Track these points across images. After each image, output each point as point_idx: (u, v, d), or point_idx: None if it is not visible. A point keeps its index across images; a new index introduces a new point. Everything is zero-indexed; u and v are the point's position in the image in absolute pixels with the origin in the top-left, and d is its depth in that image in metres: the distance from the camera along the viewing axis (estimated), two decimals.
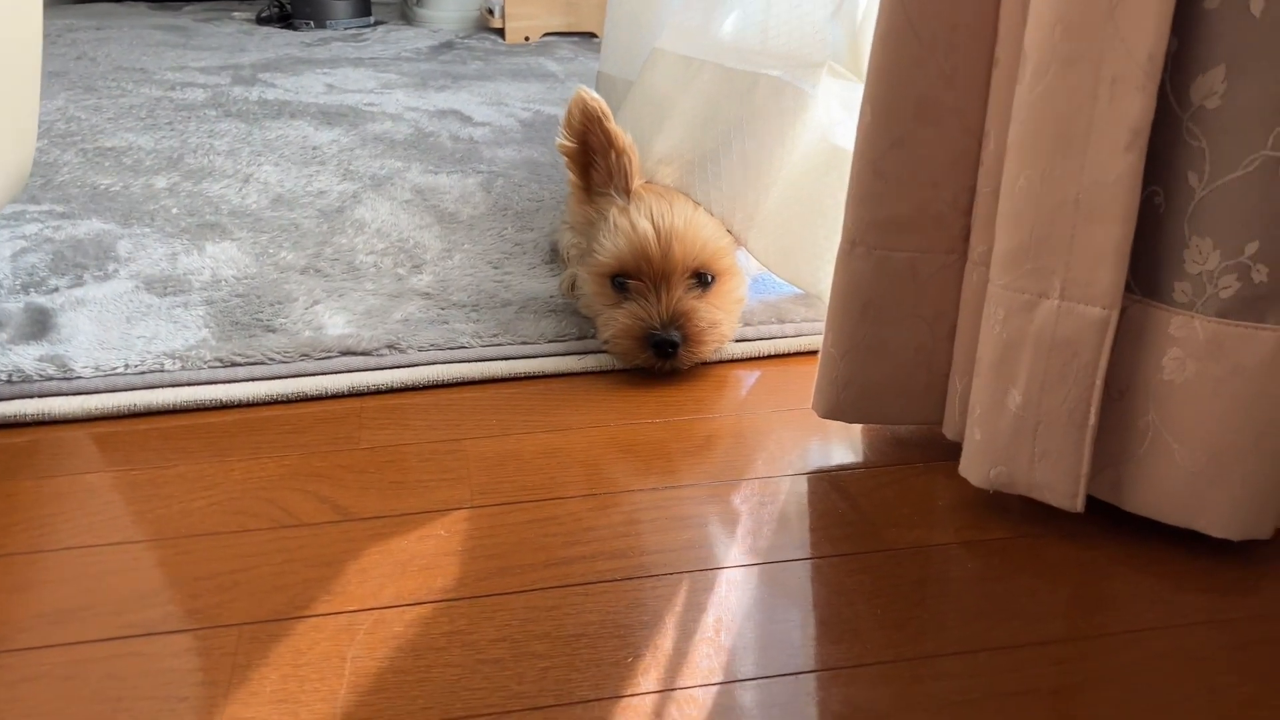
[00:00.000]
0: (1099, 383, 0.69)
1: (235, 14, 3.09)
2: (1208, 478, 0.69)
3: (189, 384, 0.93)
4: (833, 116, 1.02)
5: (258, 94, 2.02)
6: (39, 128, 1.48)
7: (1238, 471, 0.68)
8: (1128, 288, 0.69)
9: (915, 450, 0.86)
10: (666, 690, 0.61)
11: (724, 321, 0.98)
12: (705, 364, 1.00)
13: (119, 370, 0.93)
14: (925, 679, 0.62)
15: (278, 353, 0.96)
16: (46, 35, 2.53)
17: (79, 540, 0.74)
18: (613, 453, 0.86)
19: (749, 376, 1.00)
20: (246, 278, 1.13)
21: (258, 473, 0.82)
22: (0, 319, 1.01)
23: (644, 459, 0.85)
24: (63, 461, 0.84)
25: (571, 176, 1.04)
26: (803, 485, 0.82)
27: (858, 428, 0.90)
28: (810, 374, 0.93)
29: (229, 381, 0.93)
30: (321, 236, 1.25)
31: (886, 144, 0.75)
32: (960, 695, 0.61)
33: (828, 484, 0.82)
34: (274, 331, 1.00)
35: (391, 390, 0.94)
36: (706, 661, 0.63)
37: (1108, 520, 0.75)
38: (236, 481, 0.81)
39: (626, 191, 1.00)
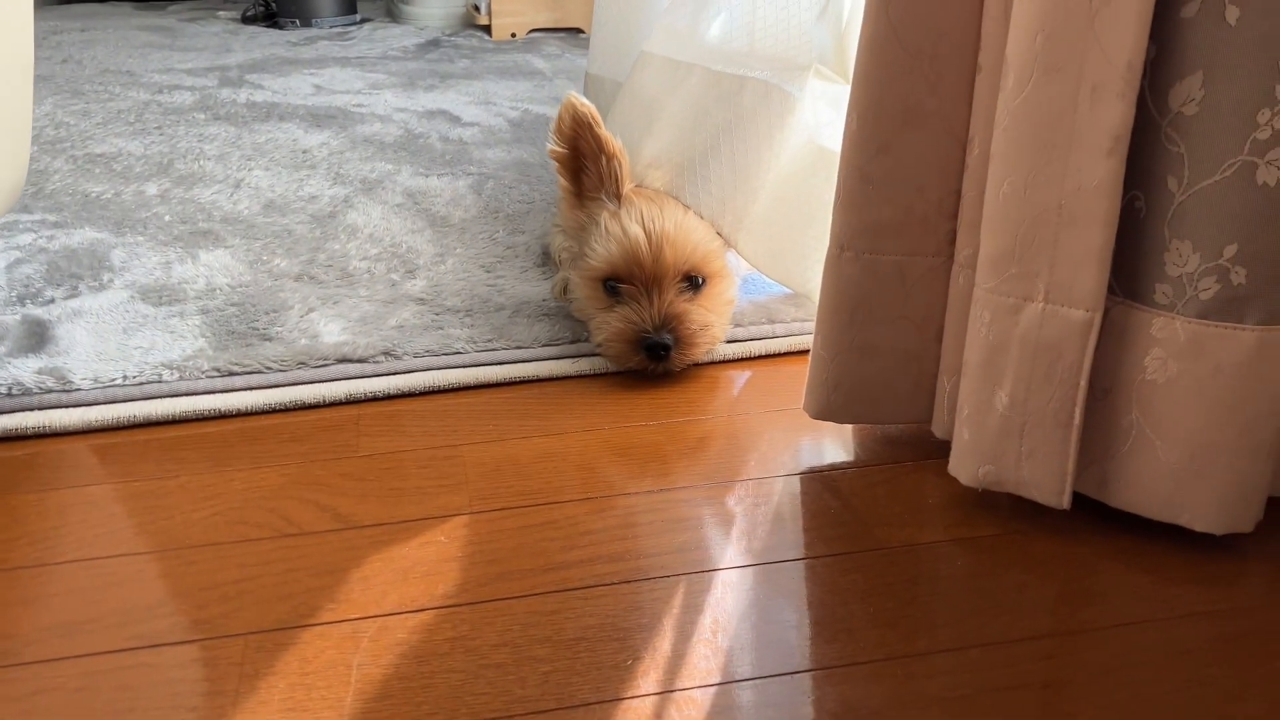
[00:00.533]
0: (1083, 383, 0.70)
1: (220, 13, 3.08)
2: (1190, 474, 0.70)
3: (187, 394, 0.94)
4: (820, 118, 1.03)
5: (246, 96, 2.02)
6: None
7: (1219, 468, 0.69)
8: (1110, 290, 0.70)
9: (905, 449, 0.88)
10: (666, 692, 0.62)
11: (715, 323, 0.99)
12: (697, 365, 1.01)
13: (117, 382, 0.94)
14: (918, 676, 0.63)
15: (275, 361, 0.97)
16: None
17: (83, 553, 0.75)
18: (608, 456, 0.87)
19: (741, 377, 1.01)
20: (241, 286, 1.13)
21: (258, 482, 0.83)
22: None
23: (639, 461, 0.87)
24: (64, 474, 0.85)
25: (562, 181, 1.05)
26: (795, 485, 0.83)
27: (848, 427, 0.91)
28: (801, 373, 0.95)
29: (227, 391, 0.94)
30: (314, 242, 1.26)
31: (873, 150, 0.76)
32: (952, 691, 0.62)
33: (820, 484, 0.83)
34: (270, 340, 1.01)
35: (388, 397, 0.95)
36: (704, 663, 0.64)
37: (1094, 516, 0.76)
38: (237, 491, 0.82)
39: (617, 196, 1.01)
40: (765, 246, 1.06)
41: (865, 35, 0.74)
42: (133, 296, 1.10)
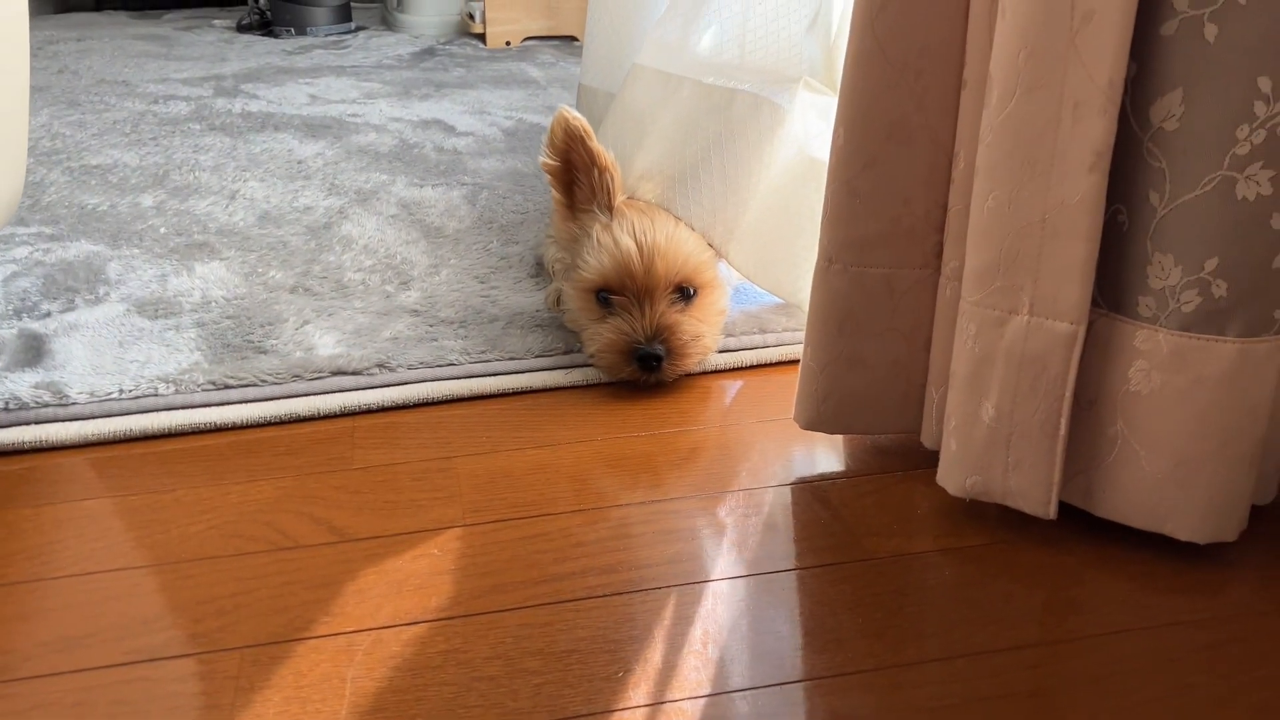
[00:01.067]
0: (1068, 394, 0.71)
1: (215, 22, 3.09)
2: (1174, 483, 0.71)
3: (183, 407, 0.94)
4: (809, 129, 1.04)
5: (241, 106, 2.03)
6: None
7: (1202, 477, 0.70)
8: (1094, 302, 0.71)
9: (894, 458, 0.89)
10: (656, 704, 0.63)
11: (707, 334, 1.00)
12: (689, 375, 1.02)
13: (114, 395, 0.95)
14: (906, 686, 0.64)
15: (270, 374, 0.98)
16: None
17: (80, 567, 0.76)
18: (601, 467, 0.88)
19: (732, 387, 1.02)
20: (236, 298, 1.14)
21: (254, 495, 0.84)
22: None
23: (631, 473, 0.87)
24: (61, 488, 0.86)
25: (555, 193, 1.06)
26: (786, 496, 0.84)
27: (838, 436, 0.92)
28: (791, 383, 0.96)
29: (222, 404, 0.95)
30: (309, 254, 1.27)
31: (860, 164, 0.77)
32: (940, 701, 0.63)
33: (810, 494, 0.84)
34: (265, 353, 1.02)
35: (383, 409, 0.96)
36: (695, 674, 0.65)
37: (1080, 525, 0.77)
38: (233, 505, 0.83)
39: (609, 208, 1.02)
40: (756, 256, 1.07)
41: (851, 51, 0.75)
42: (129, 310, 1.11)
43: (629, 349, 0.97)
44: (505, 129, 1.88)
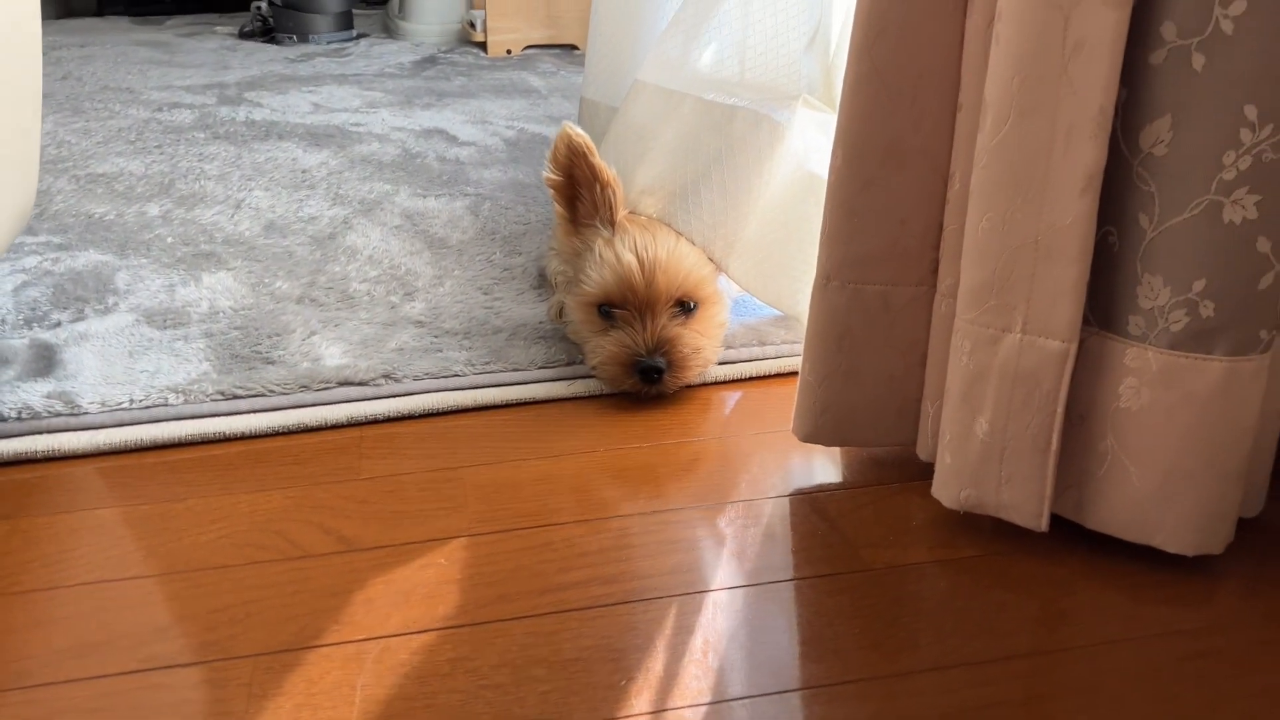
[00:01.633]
0: (1060, 410, 0.73)
1: (218, 28, 3.11)
2: (1162, 497, 0.73)
3: (193, 417, 0.96)
4: (808, 145, 1.06)
5: (245, 114, 2.05)
6: None
7: (1190, 491, 0.72)
8: (1085, 321, 0.73)
9: (891, 470, 0.90)
10: (658, 711, 0.65)
11: (707, 346, 1.02)
12: (690, 387, 1.04)
13: (124, 405, 0.96)
14: (901, 695, 0.66)
15: (277, 385, 0.99)
16: None
17: (94, 575, 0.77)
18: (603, 477, 0.90)
19: (732, 398, 1.04)
20: (244, 309, 1.16)
21: (264, 505, 0.86)
22: (6, 356, 1.04)
23: (633, 483, 0.89)
24: (74, 497, 0.87)
25: (558, 208, 1.08)
26: (784, 507, 0.86)
27: (836, 448, 0.94)
28: (790, 394, 0.98)
29: (231, 414, 0.97)
30: (315, 264, 1.29)
31: (857, 185, 0.79)
32: (935, 711, 0.65)
33: (808, 505, 0.86)
34: (273, 363, 1.04)
35: (389, 420, 0.98)
36: (695, 682, 0.67)
37: (1071, 537, 0.79)
38: (244, 514, 0.84)
39: (611, 223, 1.04)
40: (756, 270, 1.09)
41: (850, 76, 0.77)
42: (138, 320, 1.12)
43: (631, 361, 0.99)
44: (507, 139, 1.90)
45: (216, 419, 0.96)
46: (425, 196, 1.54)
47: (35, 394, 0.97)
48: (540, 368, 1.05)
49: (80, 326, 1.10)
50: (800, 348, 1.04)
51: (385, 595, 0.75)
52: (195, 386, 0.99)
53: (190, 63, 2.59)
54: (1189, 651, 0.70)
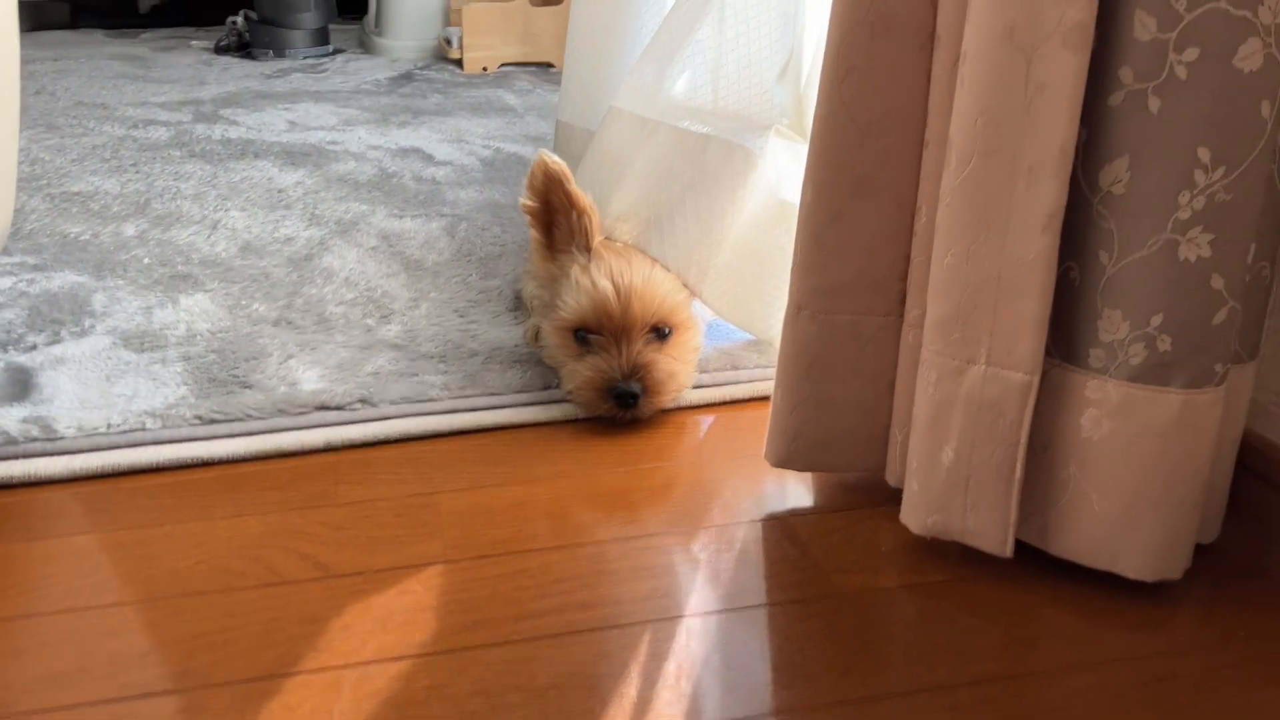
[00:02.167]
0: (1024, 440, 0.75)
1: (193, 42, 3.10)
2: (1123, 525, 0.75)
3: (170, 441, 0.97)
4: (780, 173, 1.08)
5: (220, 132, 2.05)
6: None
7: (1149, 519, 0.74)
8: (1048, 353, 0.75)
9: (861, 495, 0.92)
10: None
11: (681, 372, 1.03)
12: (665, 412, 1.05)
13: (101, 430, 0.97)
14: None
15: (255, 409, 1.00)
16: None
17: (71, 603, 0.78)
18: (578, 502, 0.91)
19: (705, 422, 1.06)
20: (221, 331, 1.17)
21: (241, 530, 0.86)
22: None
23: (608, 508, 0.90)
24: (51, 523, 0.88)
25: (534, 233, 1.09)
26: (757, 531, 0.87)
27: (807, 473, 0.95)
28: (762, 418, 0.99)
29: (209, 439, 0.97)
30: (291, 286, 1.29)
31: (827, 219, 0.81)
32: None
33: (780, 530, 0.88)
34: (250, 387, 1.05)
35: (365, 445, 0.99)
36: (669, 708, 0.68)
37: (1036, 563, 0.81)
38: (221, 540, 0.85)
39: (587, 249, 1.05)
40: (729, 295, 1.11)
41: (820, 112, 0.79)
42: (115, 343, 1.13)
43: (606, 386, 1.00)
44: (483, 158, 1.91)
45: (194, 444, 0.96)
46: (402, 217, 1.55)
47: (11, 419, 0.97)
48: (516, 392, 1.06)
49: (56, 350, 1.11)
50: (772, 372, 1.06)
51: (362, 622, 0.76)
52: (173, 411, 1.00)
53: (166, 78, 2.59)
54: (1149, 676, 0.72)
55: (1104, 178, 0.71)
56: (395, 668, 0.71)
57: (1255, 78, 0.65)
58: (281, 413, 1.00)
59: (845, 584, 0.81)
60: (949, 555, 0.84)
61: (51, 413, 0.98)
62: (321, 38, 2.97)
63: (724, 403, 1.08)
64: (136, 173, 1.77)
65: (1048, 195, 0.70)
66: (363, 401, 1.02)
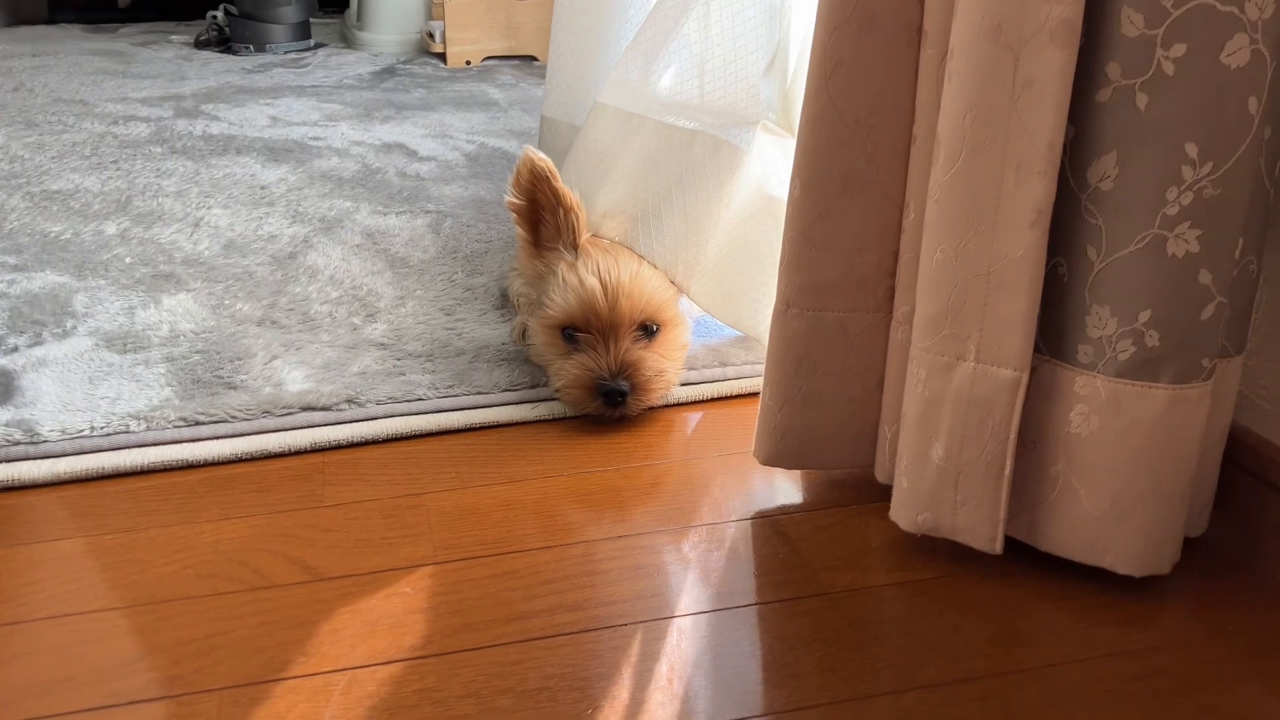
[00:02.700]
0: (1013, 436, 0.75)
1: (173, 37, 3.08)
2: (1111, 520, 0.75)
3: (155, 444, 0.96)
4: (767, 168, 1.08)
5: (202, 128, 2.03)
6: None
7: (1137, 514, 0.75)
8: (1037, 349, 0.75)
9: (850, 492, 0.92)
10: None
11: (669, 369, 1.03)
12: (653, 409, 1.05)
13: (85, 433, 0.96)
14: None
15: (240, 410, 0.99)
16: None
17: (57, 609, 0.77)
18: (568, 502, 0.91)
19: (694, 419, 1.06)
20: (205, 332, 1.16)
21: (228, 534, 0.86)
22: None
23: (596, 508, 0.90)
24: (34, 528, 0.87)
25: (521, 231, 1.08)
26: (747, 530, 0.87)
27: (796, 470, 0.95)
28: (750, 415, 0.99)
29: (194, 440, 0.96)
30: (275, 285, 1.29)
31: (815, 216, 0.81)
32: None
33: (769, 528, 0.87)
34: (235, 388, 1.04)
35: (352, 445, 0.98)
36: (661, 709, 0.68)
37: (1025, 559, 0.81)
38: (207, 544, 0.84)
39: (574, 247, 1.05)
40: (717, 292, 1.11)
41: (807, 109, 0.79)
42: (97, 344, 1.12)
43: (594, 384, 1.00)
44: (467, 154, 1.90)
45: (179, 446, 0.96)
46: (386, 214, 1.54)
47: None
48: (504, 391, 1.05)
49: (38, 351, 1.09)
50: (760, 369, 1.06)
51: (351, 626, 0.75)
52: (157, 413, 0.99)
53: (146, 73, 2.57)
54: (1137, 671, 0.72)
55: (1092, 174, 0.71)
56: (385, 671, 0.71)
57: (1242, 73, 0.65)
58: (267, 414, 1.00)
59: (835, 582, 0.81)
60: (938, 552, 0.84)
61: (34, 416, 0.97)
62: (303, 32, 2.95)
63: (712, 399, 1.08)
64: (117, 170, 1.75)
65: (1036, 191, 0.70)
66: (349, 402, 1.02)
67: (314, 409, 1.01)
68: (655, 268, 1.08)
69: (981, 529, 0.78)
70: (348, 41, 3.06)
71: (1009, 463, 0.76)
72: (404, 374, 1.07)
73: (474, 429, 1.02)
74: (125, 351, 1.11)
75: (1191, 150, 0.67)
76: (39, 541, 0.85)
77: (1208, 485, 0.81)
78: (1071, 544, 0.78)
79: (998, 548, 0.78)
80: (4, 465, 0.92)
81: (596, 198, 1.13)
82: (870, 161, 0.80)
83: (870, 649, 0.74)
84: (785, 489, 0.94)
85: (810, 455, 0.90)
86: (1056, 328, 0.75)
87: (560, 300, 1.02)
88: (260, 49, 2.87)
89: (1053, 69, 0.67)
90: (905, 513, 0.81)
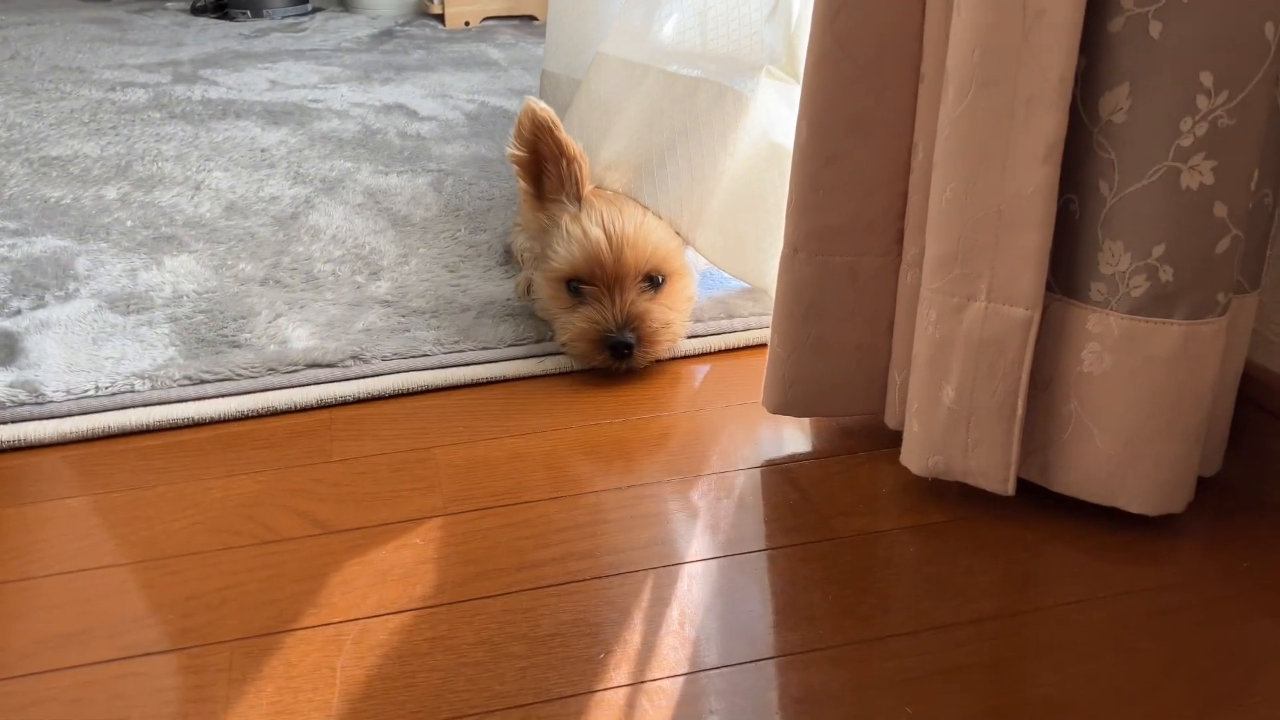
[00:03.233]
0: (1025, 377, 0.74)
1: (169, 3, 3.05)
2: (1125, 459, 0.75)
3: (160, 403, 0.95)
4: (772, 115, 1.06)
5: (200, 93, 2.02)
6: None
7: (1151, 453, 0.74)
8: (1048, 287, 0.74)
9: (860, 438, 0.92)
10: (637, 683, 0.65)
11: (676, 321, 1.02)
12: (660, 361, 1.04)
13: (90, 393, 0.95)
14: (874, 660, 0.67)
15: (245, 368, 0.99)
16: None
17: (68, 565, 0.77)
18: (576, 453, 0.90)
19: (701, 371, 1.05)
20: (208, 292, 1.15)
21: (235, 490, 0.85)
22: None
23: (605, 459, 0.90)
24: (43, 487, 0.87)
25: (523, 184, 1.07)
26: (756, 478, 0.87)
27: (805, 418, 0.95)
28: (757, 366, 0.99)
29: (199, 399, 0.96)
30: (278, 245, 1.28)
31: (822, 159, 0.80)
32: (907, 674, 0.66)
33: (779, 475, 0.87)
34: (239, 347, 1.03)
35: (359, 401, 0.98)
36: (673, 654, 0.68)
37: (1037, 500, 0.80)
38: (215, 500, 0.84)
39: (578, 198, 1.04)
40: (722, 243, 1.09)
41: (812, 51, 0.77)
42: (100, 305, 1.11)
43: (600, 337, 0.99)
44: (468, 113, 1.88)
45: (184, 404, 0.95)
46: (387, 174, 1.53)
47: None
48: (509, 345, 1.05)
49: (41, 314, 1.09)
50: (767, 320, 1.05)
51: (362, 577, 0.75)
52: (162, 372, 0.98)
53: (142, 40, 2.55)
54: (1152, 609, 0.72)
55: (1104, 106, 0.69)
56: (396, 621, 0.71)
57: None
58: (272, 371, 0.99)
59: (846, 527, 0.80)
60: (949, 495, 0.83)
61: (39, 377, 0.97)
62: None
63: (719, 351, 1.07)
64: (116, 135, 1.74)
65: (1048, 126, 0.69)
66: (354, 358, 1.01)
67: (319, 366, 1.00)
68: (660, 218, 1.07)
69: (994, 471, 0.77)
70: (345, 4, 3.03)
71: (1021, 403, 0.75)
72: (409, 330, 1.07)
73: (481, 384, 1.01)
74: (128, 313, 1.10)
75: (1206, 79, 0.66)
76: (47, 500, 0.85)
77: (1222, 423, 0.81)
78: (1085, 484, 0.77)
79: (1010, 489, 0.77)
80: (10, 426, 0.92)
81: (600, 149, 1.12)
82: (878, 101, 0.78)
83: (883, 591, 0.74)
84: (794, 437, 0.93)
85: (819, 403, 0.89)
86: (1068, 265, 0.74)
87: (564, 252, 1.01)
88: (257, 14, 2.85)
89: None
90: (916, 456, 0.81)
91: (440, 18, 2.77)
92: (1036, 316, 0.73)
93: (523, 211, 1.11)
